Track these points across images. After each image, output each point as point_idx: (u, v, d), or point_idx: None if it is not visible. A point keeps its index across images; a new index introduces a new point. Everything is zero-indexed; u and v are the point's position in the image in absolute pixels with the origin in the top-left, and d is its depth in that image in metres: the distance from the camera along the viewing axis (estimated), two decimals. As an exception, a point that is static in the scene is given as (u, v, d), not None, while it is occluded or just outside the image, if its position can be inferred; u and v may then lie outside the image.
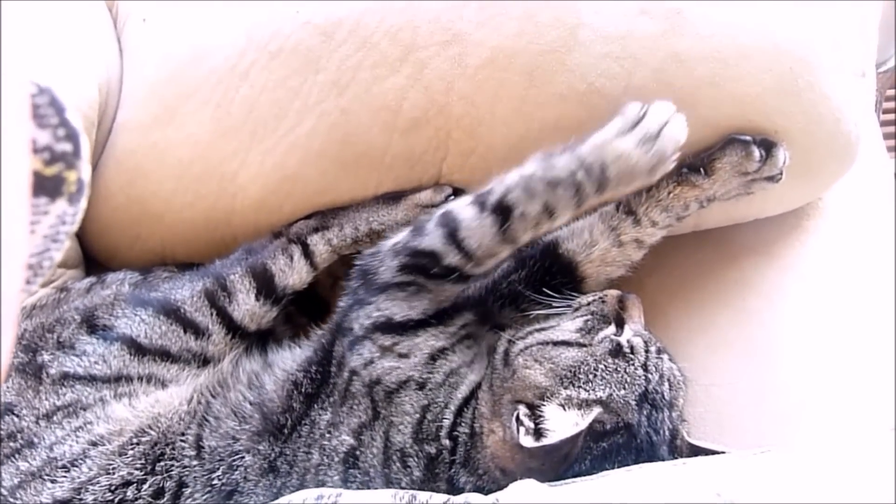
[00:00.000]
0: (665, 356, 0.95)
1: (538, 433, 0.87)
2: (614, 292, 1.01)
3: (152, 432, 0.97)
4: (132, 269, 1.19)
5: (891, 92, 1.94)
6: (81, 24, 1.24)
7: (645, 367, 0.92)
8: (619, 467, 0.85)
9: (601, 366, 0.91)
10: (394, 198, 1.14)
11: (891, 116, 2.01)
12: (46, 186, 0.43)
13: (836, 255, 1.19)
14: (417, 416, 0.93)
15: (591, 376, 0.90)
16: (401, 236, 1.00)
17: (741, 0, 1.04)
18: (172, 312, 1.06)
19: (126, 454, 0.95)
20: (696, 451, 0.91)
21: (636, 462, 0.87)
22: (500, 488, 0.81)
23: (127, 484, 0.93)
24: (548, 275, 1.07)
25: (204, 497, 0.94)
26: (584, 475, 0.84)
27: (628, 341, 0.94)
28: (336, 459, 0.93)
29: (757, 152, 1.03)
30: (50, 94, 0.43)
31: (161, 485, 0.94)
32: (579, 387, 0.90)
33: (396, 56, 1.07)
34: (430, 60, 1.07)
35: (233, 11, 1.16)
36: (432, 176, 1.13)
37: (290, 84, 1.11)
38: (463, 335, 0.99)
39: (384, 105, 1.08)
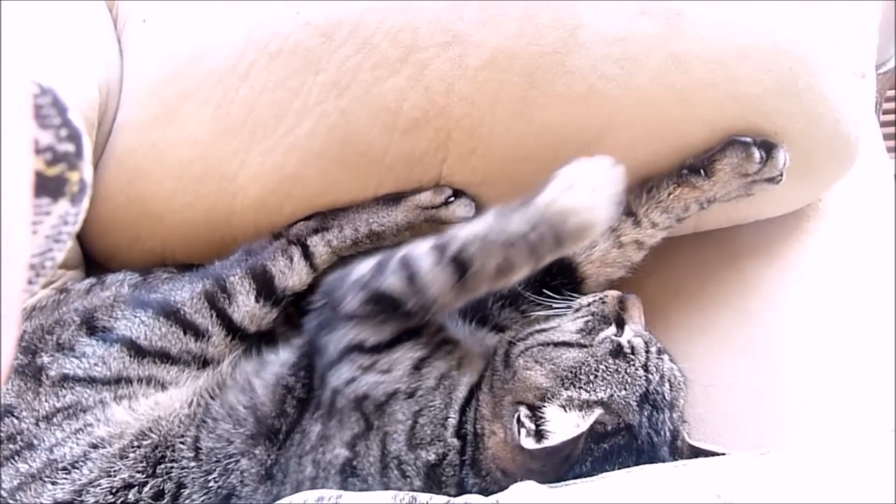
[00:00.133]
0: (665, 357, 0.95)
1: (539, 435, 0.86)
2: (614, 293, 1.01)
3: (153, 435, 0.97)
4: (132, 269, 1.19)
5: (891, 93, 1.94)
6: (81, 24, 1.24)
7: (646, 368, 0.91)
8: (619, 469, 0.85)
9: (602, 366, 0.91)
10: (394, 199, 1.14)
11: (891, 117, 2.01)
12: (49, 187, 0.43)
13: (836, 256, 1.19)
14: (410, 422, 0.93)
15: (591, 377, 0.90)
16: (364, 270, 0.97)
17: (741, 0, 1.04)
18: (172, 314, 1.06)
19: (127, 457, 0.95)
20: (696, 453, 0.91)
21: (637, 463, 0.87)
22: (502, 489, 0.81)
23: (128, 486, 0.93)
24: (548, 276, 1.07)
25: (201, 499, 0.93)
26: (585, 476, 0.84)
27: (629, 342, 0.94)
28: (332, 472, 0.92)
29: (757, 154, 1.03)
30: (52, 95, 0.43)
31: (161, 487, 0.94)
32: (580, 388, 0.89)
33: (396, 57, 1.07)
34: (430, 61, 1.07)
35: (233, 12, 1.16)
36: (432, 177, 1.13)
37: (289, 84, 1.11)
38: (439, 341, 0.98)
39: (384, 106, 1.08)
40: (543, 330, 0.98)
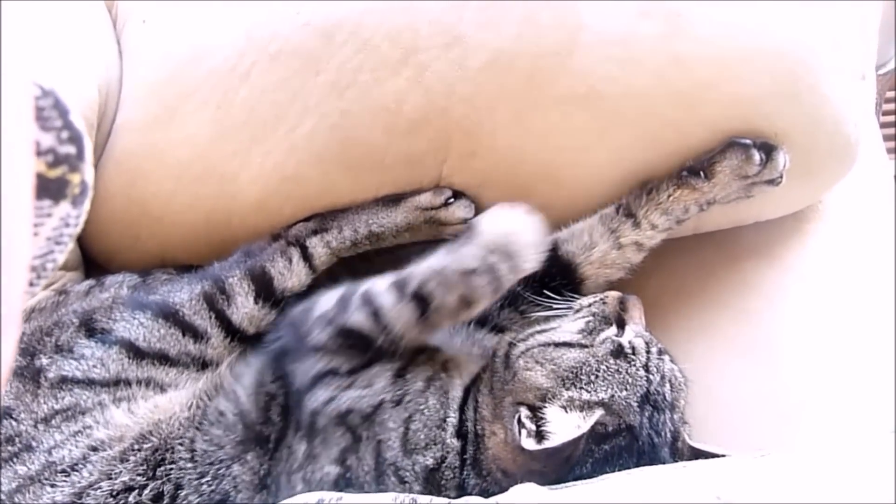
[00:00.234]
0: (666, 357, 0.95)
1: (540, 435, 0.86)
2: (615, 294, 1.01)
3: (153, 438, 0.96)
4: (131, 271, 1.18)
5: (890, 94, 1.95)
6: (81, 25, 1.24)
7: (646, 368, 0.91)
8: (620, 470, 0.85)
9: (603, 366, 0.90)
10: (393, 200, 1.14)
11: (891, 118, 2.01)
12: (50, 189, 0.43)
13: (836, 257, 1.19)
14: (403, 429, 0.92)
15: (593, 377, 0.90)
16: (328, 306, 0.97)
17: (741, 1, 1.04)
18: (171, 316, 1.06)
19: (128, 460, 0.94)
20: (696, 455, 0.91)
21: (638, 465, 0.87)
22: (503, 490, 0.81)
23: (129, 489, 0.93)
24: (547, 276, 1.07)
25: (197, 501, 0.93)
26: (586, 478, 0.84)
27: (630, 342, 0.93)
28: (326, 488, 0.91)
29: (757, 156, 1.03)
30: (54, 97, 0.43)
31: (160, 489, 0.94)
32: (581, 388, 0.89)
33: (397, 58, 1.07)
34: (430, 63, 1.07)
35: (233, 12, 1.16)
36: (432, 178, 1.13)
37: (290, 85, 1.11)
38: (414, 350, 0.98)
39: (384, 107, 1.08)
40: (544, 330, 0.98)
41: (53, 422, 0.98)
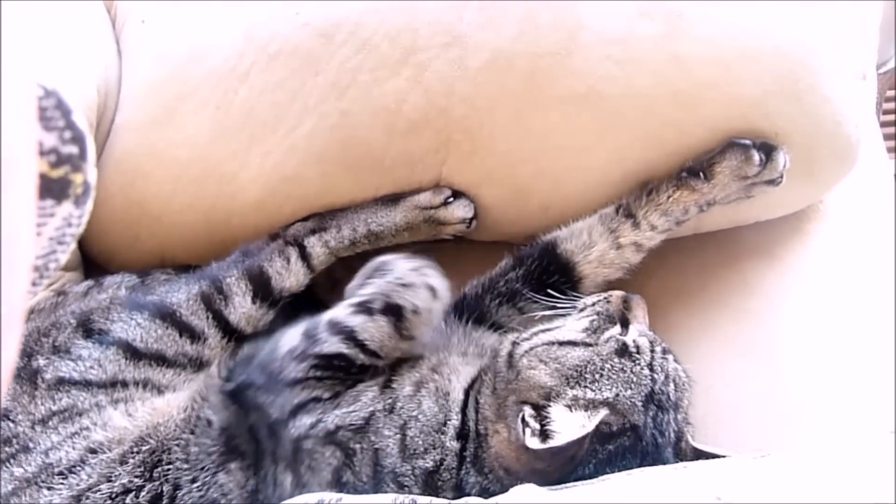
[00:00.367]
0: (670, 356, 0.95)
1: (544, 434, 0.86)
2: (619, 293, 1.01)
3: (151, 441, 0.96)
4: (130, 271, 1.18)
5: (891, 93, 1.95)
6: (80, 25, 1.23)
7: (651, 367, 0.91)
8: (623, 470, 0.84)
9: (607, 365, 0.90)
10: (392, 199, 1.14)
11: (891, 118, 2.02)
12: (52, 189, 0.43)
13: (837, 257, 1.19)
14: (399, 435, 0.91)
15: (597, 376, 0.89)
16: (294, 342, 0.96)
17: (741, 1, 1.04)
18: (168, 316, 1.05)
19: (127, 462, 0.94)
20: (699, 455, 0.91)
21: (641, 465, 0.86)
22: (504, 487, 0.81)
23: (127, 492, 0.92)
24: (545, 273, 1.07)
25: (192, 502, 0.93)
26: (589, 478, 0.83)
27: (634, 341, 0.93)
28: None
29: (757, 156, 1.03)
30: (56, 97, 0.43)
31: (159, 490, 0.93)
32: (585, 387, 0.89)
33: (396, 58, 1.07)
34: (430, 63, 1.07)
35: (232, 12, 1.16)
36: (432, 178, 1.13)
37: (289, 86, 1.11)
38: (395, 362, 0.98)
39: (384, 107, 1.08)
40: (548, 329, 0.98)
41: (51, 423, 0.97)
